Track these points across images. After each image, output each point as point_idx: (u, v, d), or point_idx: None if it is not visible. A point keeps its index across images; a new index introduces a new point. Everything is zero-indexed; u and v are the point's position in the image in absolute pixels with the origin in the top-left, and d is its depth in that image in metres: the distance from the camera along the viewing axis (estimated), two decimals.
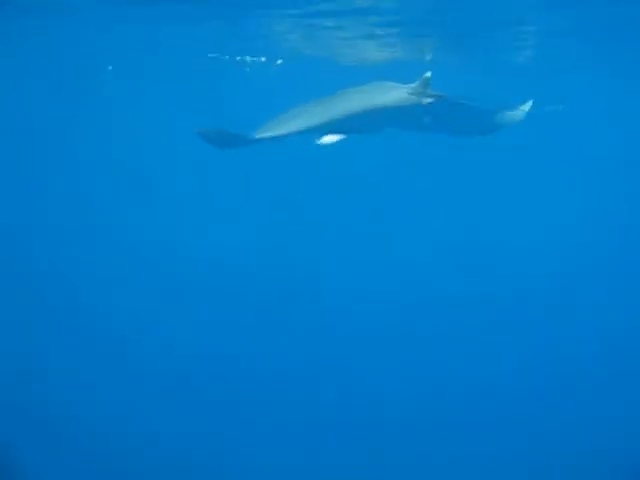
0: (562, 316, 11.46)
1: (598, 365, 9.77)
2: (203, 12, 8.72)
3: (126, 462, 8.01)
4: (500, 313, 11.32)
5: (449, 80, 7.00)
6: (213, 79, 15.09)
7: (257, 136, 5.80)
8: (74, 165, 16.10)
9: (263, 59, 12.72)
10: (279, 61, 12.78)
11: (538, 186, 17.02)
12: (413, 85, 5.96)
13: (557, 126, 16.98)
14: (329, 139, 6.09)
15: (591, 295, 12.17)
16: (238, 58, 12.79)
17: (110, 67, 14.42)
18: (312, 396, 9.29)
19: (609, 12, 8.09)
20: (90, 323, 10.35)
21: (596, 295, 12.18)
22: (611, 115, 17.54)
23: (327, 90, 6.19)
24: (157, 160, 16.02)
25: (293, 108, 6.09)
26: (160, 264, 12.23)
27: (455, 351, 10.50)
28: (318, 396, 9.32)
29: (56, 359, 9.41)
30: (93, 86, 15.54)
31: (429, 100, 5.81)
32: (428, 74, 5.87)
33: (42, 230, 13.11)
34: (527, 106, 6.79)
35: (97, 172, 15.56)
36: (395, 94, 5.96)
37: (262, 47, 11.48)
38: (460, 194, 15.83)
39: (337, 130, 6.00)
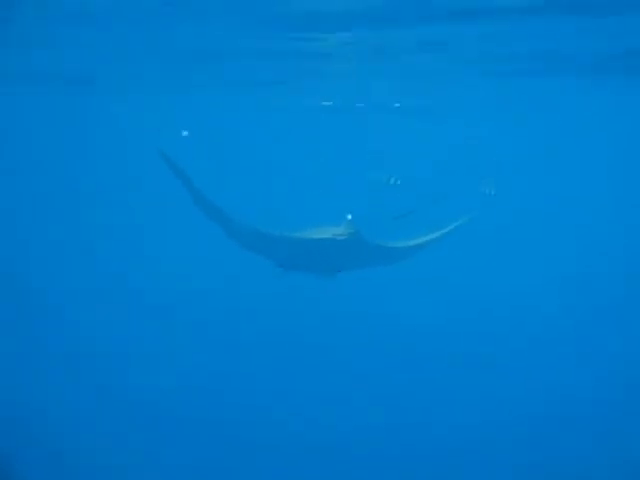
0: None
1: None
2: None
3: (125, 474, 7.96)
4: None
5: None
6: None
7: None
8: None
9: None
10: None
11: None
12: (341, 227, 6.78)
13: None
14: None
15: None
16: None
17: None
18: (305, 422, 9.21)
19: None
20: (88, 334, 10.39)
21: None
22: None
23: None
24: None
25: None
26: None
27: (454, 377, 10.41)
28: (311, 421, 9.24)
29: (56, 370, 9.42)
30: None
31: (343, 237, 6.59)
32: (349, 216, 6.60)
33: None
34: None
35: None
36: (322, 233, 6.85)
37: None
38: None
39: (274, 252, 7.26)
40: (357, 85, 12.35)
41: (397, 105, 15.01)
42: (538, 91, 13.37)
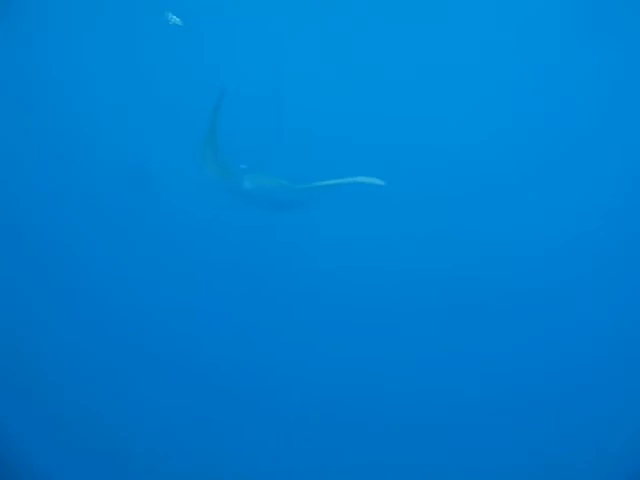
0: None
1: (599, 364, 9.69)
2: None
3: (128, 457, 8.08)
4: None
5: None
6: None
7: None
8: None
9: None
10: None
11: None
12: None
13: None
14: None
15: None
16: None
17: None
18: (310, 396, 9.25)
19: None
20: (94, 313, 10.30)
21: None
22: None
23: None
24: None
25: None
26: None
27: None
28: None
29: (58, 349, 9.40)
30: None
31: None
32: None
33: None
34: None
35: None
36: None
37: None
38: None
39: None
40: None
41: None
42: None
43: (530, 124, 10.40)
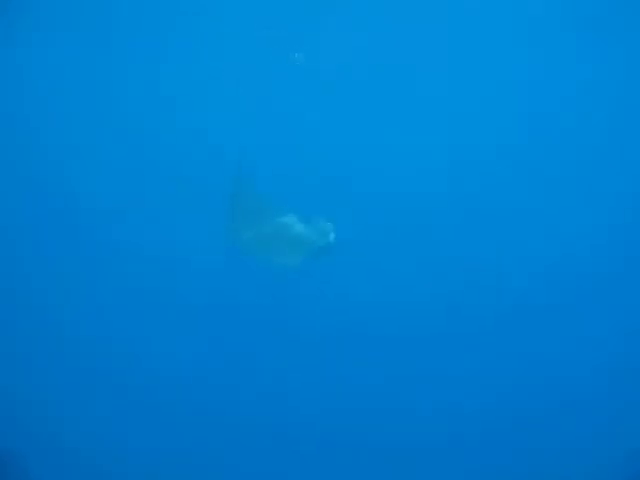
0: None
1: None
2: None
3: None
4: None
5: None
6: None
7: None
8: None
9: None
10: None
11: None
12: None
13: None
14: None
15: None
16: None
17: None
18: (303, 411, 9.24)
19: None
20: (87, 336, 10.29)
21: None
22: None
23: None
24: None
25: None
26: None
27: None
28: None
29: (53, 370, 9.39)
30: None
31: None
32: None
33: None
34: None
35: None
36: None
37: None
38: None
39: None
40: None
41: None
42: None
43: (529, 133, 10.46)
